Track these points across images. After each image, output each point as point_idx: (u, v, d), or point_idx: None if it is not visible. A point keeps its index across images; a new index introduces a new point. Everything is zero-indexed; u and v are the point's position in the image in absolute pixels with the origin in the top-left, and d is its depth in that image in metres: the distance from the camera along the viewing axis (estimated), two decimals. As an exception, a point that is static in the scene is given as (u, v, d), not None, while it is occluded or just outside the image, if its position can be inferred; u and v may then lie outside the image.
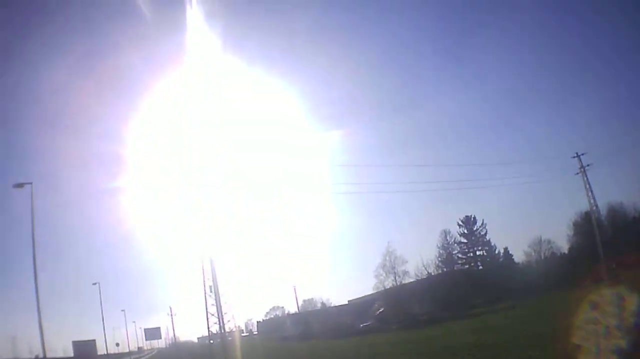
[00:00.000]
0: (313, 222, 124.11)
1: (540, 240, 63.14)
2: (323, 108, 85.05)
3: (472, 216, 64.01)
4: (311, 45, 79.67)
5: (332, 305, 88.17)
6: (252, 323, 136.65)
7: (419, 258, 67.11)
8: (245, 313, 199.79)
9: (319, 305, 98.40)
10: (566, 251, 61.22)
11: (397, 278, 60.05)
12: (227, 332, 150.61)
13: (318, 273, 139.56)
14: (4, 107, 78.95)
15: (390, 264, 60.05)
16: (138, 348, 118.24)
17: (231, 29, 61.17)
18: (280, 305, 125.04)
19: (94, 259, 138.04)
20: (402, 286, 59.11)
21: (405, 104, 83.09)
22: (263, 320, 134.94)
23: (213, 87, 48.56)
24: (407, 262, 61.17)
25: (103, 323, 56.17)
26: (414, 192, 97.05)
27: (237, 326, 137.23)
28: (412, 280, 59.87)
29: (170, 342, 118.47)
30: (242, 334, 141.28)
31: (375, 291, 64.30)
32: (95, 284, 60.42)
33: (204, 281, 48.94)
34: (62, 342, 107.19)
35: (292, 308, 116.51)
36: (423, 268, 60.78)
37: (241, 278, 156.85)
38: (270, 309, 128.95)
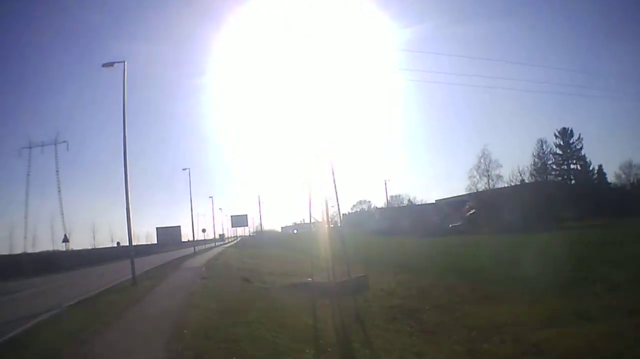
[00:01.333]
0: (405, 118, 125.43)
1: (631, 164, 63.53)
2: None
3: (570, 129, 63.09)
4: None
5: (420, 203, 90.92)
6: (339, 216, 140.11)
7: (514, 164, 67.30)
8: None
9: (406, 202, 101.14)
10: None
11: (490, 181, 61.11)
12: (312, 222, 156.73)
13: (407, 170, 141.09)
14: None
15: (485, 166, 60.90)
16: (220, 235, 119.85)
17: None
18: (367, 199, 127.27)
19: (183, 146, 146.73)
20: (495, 190, 59.97)
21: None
22: (349, 213, 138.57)
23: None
24: (501, 166, 62.09)
25: (191, 208, 58.00)
26: (514, 94, 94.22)
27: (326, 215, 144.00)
28: (505, 185, 60.64)
29: (254, 230, 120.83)
30: (327, 226, 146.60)
31: (466, 193, 65.73)
32: (185, 169, 61.00)
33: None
34: (146, 229, 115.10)
35: (379, 203, 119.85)
36: (518, 174, 61.30)
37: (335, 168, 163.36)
38: (357, 203, 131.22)
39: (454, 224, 57.22)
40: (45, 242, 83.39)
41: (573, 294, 12.92)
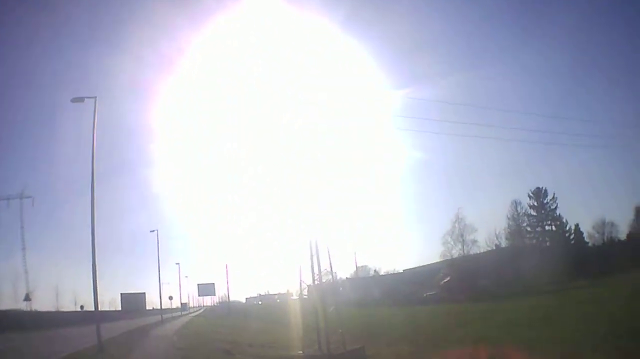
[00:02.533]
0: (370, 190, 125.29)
1: (604, 222, 63.58)
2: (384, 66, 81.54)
3: (544, 188, 62.76)
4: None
5: (386, 273, 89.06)
6: (304, 287, 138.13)
7: (489, 227, 66.68)
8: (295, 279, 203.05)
9: (372, 273, 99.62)
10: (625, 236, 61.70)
11: (464, 246, 60.20)
12: (276, 294, 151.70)
13: (373, 240, 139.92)
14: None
15: (459, 231, 60.12)
16: (182, 304, 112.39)
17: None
18: (334, 270, 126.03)
19: (149, 212, 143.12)
20: (470, 256, 59.07)
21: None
22: (314, 284, 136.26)
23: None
24: (476, 230, 61.28)
25: (159, 271, 55.79)
26: (486, 154, 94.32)
27: (301, 286, 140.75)
28: (480, 250, 59.86)
29: (219, 301, 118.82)
30: (292, 298, 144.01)
31: (439, 260, 64.46)
32: (153, 231, 61.00)
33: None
34: (110, 294, 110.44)
35: (344, 274, 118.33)
36: (494, 238, 60.68)
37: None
38: (324, 274, 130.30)
39: (428, 293, 55.71)
40: (7, 299, 78.43)
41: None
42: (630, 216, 61.55)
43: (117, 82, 68.61)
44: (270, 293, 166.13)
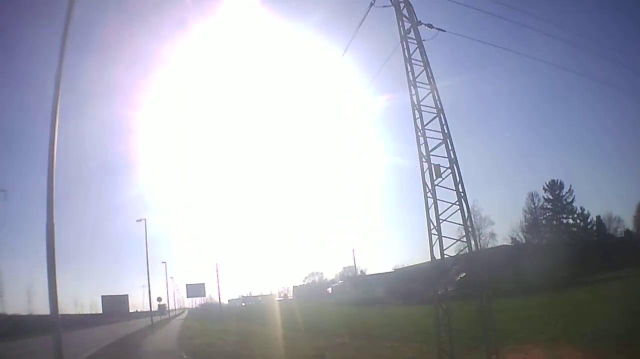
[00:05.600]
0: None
1: (611, 217, 60.58)
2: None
3: (559, 181, 59.23)
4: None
5: (374, 273, 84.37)
6: (287, 289, 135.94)
7: (507, 220, 63.25)
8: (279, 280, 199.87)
9: (359, 273, 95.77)
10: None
11: (481, 240, 56.37)
12: (259, 295, 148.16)
13: (361, 241, 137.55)
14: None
15: (474, 225, 56.12)
16: (159, 306, 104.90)
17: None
18: (319, 271, 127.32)
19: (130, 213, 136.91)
20: (487, 251, 55.12)
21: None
22: (300, 285, 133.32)
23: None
24: (494, 224, 59.52)
25: (147, 266, 49.77)
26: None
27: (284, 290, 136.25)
28: (499, 244, 56.06)
29: (203, 302, 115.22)
30: (277, 299, 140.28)
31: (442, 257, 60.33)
32: (140, 220, 53.92)
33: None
34: (91, 297, 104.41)
35: (331, 275, 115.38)
36: (514, 231, 57.29)
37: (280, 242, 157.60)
38: (309, 275, 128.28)
39: (443, 291, 51.20)
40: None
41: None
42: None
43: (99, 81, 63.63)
44: (253, 294, 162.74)
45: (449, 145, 12.83)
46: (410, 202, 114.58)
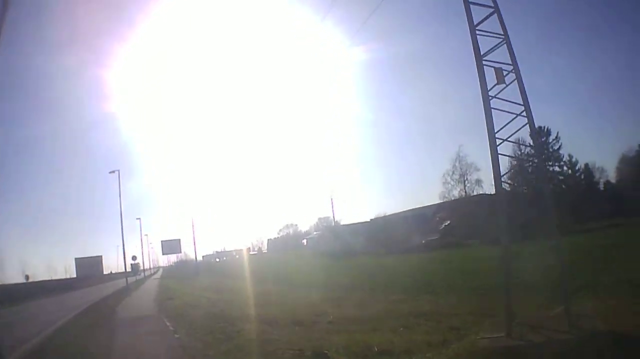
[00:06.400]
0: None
1: (594, 167, 58.83)
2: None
3: (545, 127, 57.10)
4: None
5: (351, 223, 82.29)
6: (262, 242, 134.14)
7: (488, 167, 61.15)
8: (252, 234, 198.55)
9: (333, 224, 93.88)
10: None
11: (466, 187, 54.97)
12: (234, 250, 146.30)
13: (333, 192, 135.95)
14: None
15: (460, 171, 54.88)
16: (132, 265, 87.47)
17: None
18: (293, 223, 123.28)
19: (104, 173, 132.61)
20: (472, 198, 53.82)
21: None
22: (274, 238, 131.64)
23: None
24: (479, 170, 56.15)
25: (121, 222, 47.03)
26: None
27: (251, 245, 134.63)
28: (485, 192, 54.56)
29: (177, 260, 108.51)
30: (251, 253, 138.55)
31: (431, 203, 59.58)
32: (113, 172, 51.49)
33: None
34: (66, 260, 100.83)
35: (305, 226, 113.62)
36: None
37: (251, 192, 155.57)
38: (283, 228, 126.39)
39: (429, 239, 50.12)
40: None
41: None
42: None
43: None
44: (227, 249, 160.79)
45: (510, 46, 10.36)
46: (387, 151, 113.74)
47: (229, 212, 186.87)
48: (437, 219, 54.77)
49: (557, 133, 57.04)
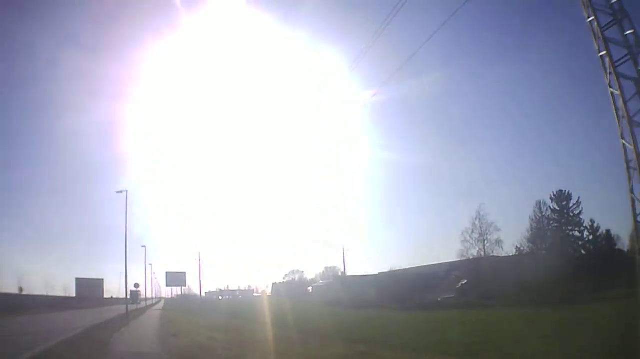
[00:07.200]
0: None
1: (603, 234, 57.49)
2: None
3: (567, 191, 56.38)
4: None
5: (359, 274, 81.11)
6: (266, 285, 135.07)
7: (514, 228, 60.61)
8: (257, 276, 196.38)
9: (340, 274, 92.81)
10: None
11: (485, 247, 53.78)
12: (237, 290, 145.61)
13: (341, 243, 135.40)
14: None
15: (480, 230, 53.85)
16: (130, 292, 78.70)
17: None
18: (300, 269, 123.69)
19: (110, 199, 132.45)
20: (491, 258, 52.61)
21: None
22: (280, 282, 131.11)
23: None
24: (500, 230, 55.93)
25: (126, 243, 45.32)
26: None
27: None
28: (505, 253, 53.48)
29: (180, 293, 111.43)
30: (254, 295, 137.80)
31: (441, 262, 58.15)
32: (120, 192, 50.88)
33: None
34: (65, 279, 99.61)
35: (311, 274, 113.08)
36: (518, 240, 55.19)
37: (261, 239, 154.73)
38: (289, 273, 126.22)
39: (444, 297, 48.59)
40: None
41: None
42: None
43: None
44: (230, 288, 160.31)
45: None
46: (397, 204, 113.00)
47: (235, 251, 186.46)
48: (454, 277, 53.35)
49: (579, 198, 56.12)
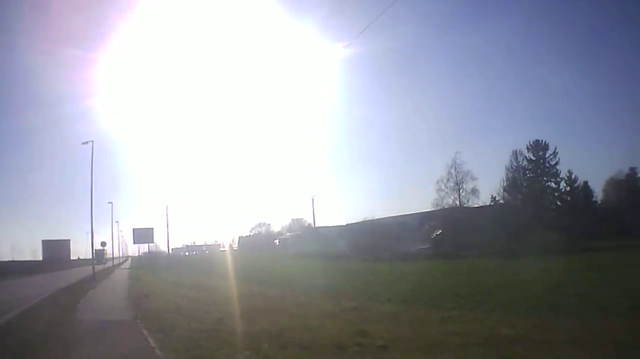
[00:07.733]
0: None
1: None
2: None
3: (543, 141, 55.58)
4: None
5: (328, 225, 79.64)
6: (233, 239, 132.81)
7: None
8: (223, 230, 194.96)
9: (306, 225, 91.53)
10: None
11: (460, 196, 52.85)
12: (204, 245, 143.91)
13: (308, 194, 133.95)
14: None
15: (456, 179, 52.75)
16: (95, 252, 72.03)
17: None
18: (266, 222, 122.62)
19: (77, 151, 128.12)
20: (467, 209, 51.80)
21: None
22: (246, 236, 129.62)
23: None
24: (476, 179, 54.55)
25: (91, 197, 41.19)
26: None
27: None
28: (481, 203, 52.66)
29: (147, 250, 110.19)
30: (220, 249, 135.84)
31: (416, 211, 57.20)
32: (86, 143, 44.53)
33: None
34: (32, 242, 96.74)
35: (277, 226, 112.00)
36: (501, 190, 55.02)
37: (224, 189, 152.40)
38: (256, 226, 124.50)
39: (419, 247, 47.61)
40: None
41: None
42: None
43: None
44: (197, 243, 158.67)
45: None
46: (368, 155, 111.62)
47: (200, 206, 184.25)
48: (428, 227, 52.39)
49: (555, 148, 55.42)
